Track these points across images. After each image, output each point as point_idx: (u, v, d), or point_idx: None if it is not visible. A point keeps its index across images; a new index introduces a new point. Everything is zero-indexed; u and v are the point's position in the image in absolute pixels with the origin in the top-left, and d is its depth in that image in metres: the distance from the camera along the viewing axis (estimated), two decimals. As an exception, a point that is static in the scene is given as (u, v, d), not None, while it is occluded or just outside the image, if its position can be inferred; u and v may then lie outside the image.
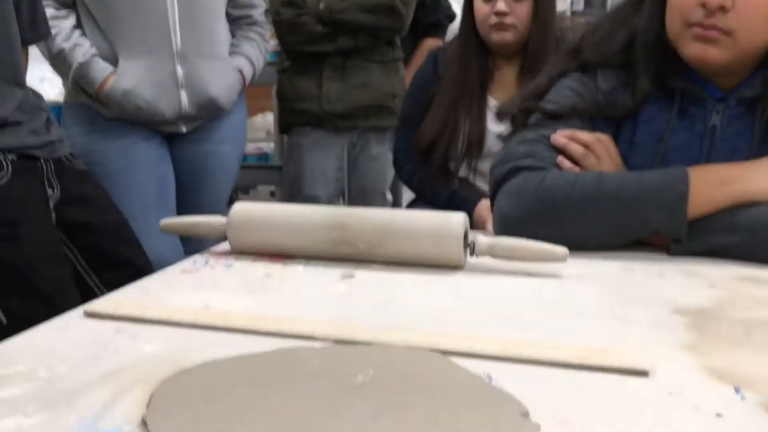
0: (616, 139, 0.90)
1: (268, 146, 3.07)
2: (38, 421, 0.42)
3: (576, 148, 0.86)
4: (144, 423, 0.42)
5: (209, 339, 0.56)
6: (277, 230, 0.78)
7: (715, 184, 0.78)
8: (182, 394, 0.45)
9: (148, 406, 0.44)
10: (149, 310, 0.60)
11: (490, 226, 0.92)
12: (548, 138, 0.88)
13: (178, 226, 0.85)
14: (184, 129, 1.64)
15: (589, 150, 0.86)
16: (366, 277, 0.73)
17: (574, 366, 0.50)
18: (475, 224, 1.23)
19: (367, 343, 0.54)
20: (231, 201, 1.24)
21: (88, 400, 0.45)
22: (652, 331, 0.57)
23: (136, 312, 0.60)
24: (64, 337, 0.56)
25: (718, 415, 0.43)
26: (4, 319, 1.07)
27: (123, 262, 1.21)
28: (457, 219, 0.74)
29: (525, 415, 0.43)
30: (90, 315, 0.61)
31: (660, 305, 0.63)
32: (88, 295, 1.08)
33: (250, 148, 2.87)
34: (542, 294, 0.67)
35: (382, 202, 2.08)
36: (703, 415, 0.43)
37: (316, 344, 0.54)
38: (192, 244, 1.58)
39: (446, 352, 0.52)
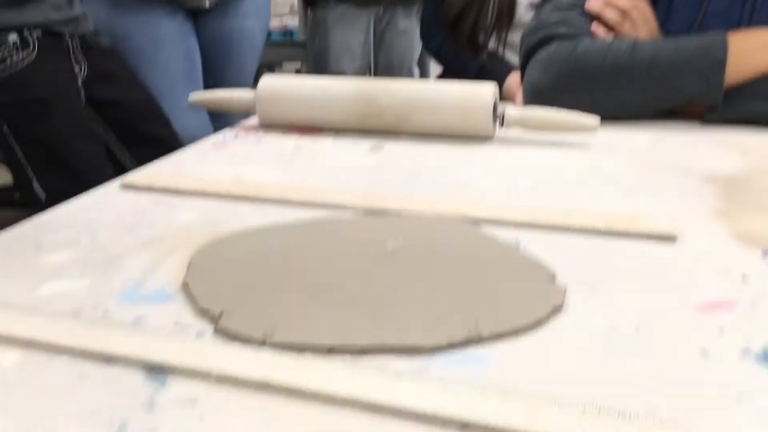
0: (654, 4, 0.86)
1: (293, 22, 3.00)
2: (85, 283, 0.44)
3: (612, 14, 0.83)
4: (185, 286, 0.44)
5: (242, 209, 0.57)
6: (305, 103, 0.78)
7: (755, 50, 0.75)
8: (219, 260, 0.47)
9: (187, 270, 0.46)
10: (183, 182, 0.61)
11: (519, 99, 0.90)
12: (582, 4, 0.84)
13: (206, 101, 0.85)
14: (207, 4, 1.60)
15: (625, 16, 0.83)
16: (395, 149, 0.73)
17: (602, 232, 0.51)
18: (504, 98, 1.22)
19: (396, 213, 0.55)
20: (256, 79, 1.23)
21: (131, 265, 0.47)
22: (681, 199, 0.57)
23: (170, 184, 0.61)
24: (102, 208, 0.58)
25: (744, 276, 0.44)
26: (43, 197, 1.10)
27: (152, 138, 1.22)
28: (486, 89, 0.73)
29: (552, 280, 0.44)
30: (126, 187, 0.62)
31: (690, 174, 0.63)
32: (121, 171, 1.10)
33: (274, 24, 2.81)
34: (571, 164, 0.67)
35: (409, 77, 2.04)
36: (730, 278, 0.44)
37: (347, 214, 0.55)
38: (220, 121, 1.58)
39: (475, 220, 0.53)
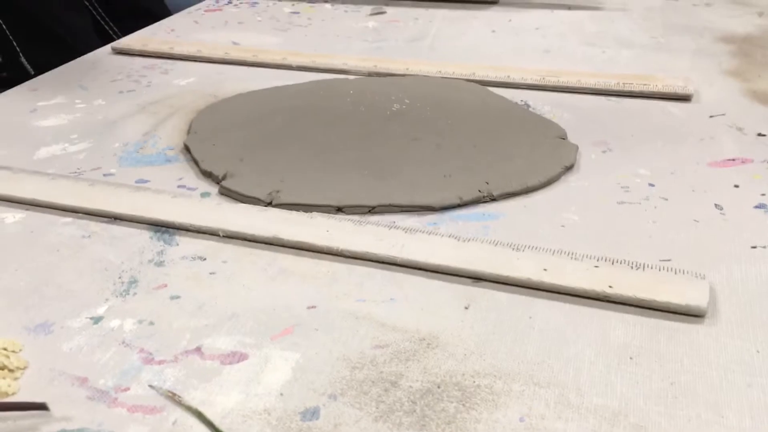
0: None
1: None
2: (84, 146, 0.43)
3: None
4: (186, 148, 0.42)
5: (241, 73, 0.55)
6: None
7: None
8: (220, 122, 0.46)
9: (188, 133, 0.45)
10: (178, 46, 0.59)
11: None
12: None
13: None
14: None
15: None
16: (397, 12, 0.70)
17: (615, 92, 0.49)
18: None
19: (401, 75, 0.53)
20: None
21: (129, 129, 0.46)
22: (696, 59, 0.55)
23: (164, 48, 0.59)
24: (95, 72, 0.56)
25: (759, 134, 0.43)
26: (32, 70, 1.06)
27: (141, 9, 1.17)
28: (493, -53, 0.69)
29: (563, 137, 0.43)
30: (118, 52, 0.60)
31: (705, 34, 0.61)
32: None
33: None
34: (583, 26, 0.64)
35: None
36: (745, 136, 0.43)
37: (350, 77, 0.53)
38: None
39: (483, 83, 0.51)
